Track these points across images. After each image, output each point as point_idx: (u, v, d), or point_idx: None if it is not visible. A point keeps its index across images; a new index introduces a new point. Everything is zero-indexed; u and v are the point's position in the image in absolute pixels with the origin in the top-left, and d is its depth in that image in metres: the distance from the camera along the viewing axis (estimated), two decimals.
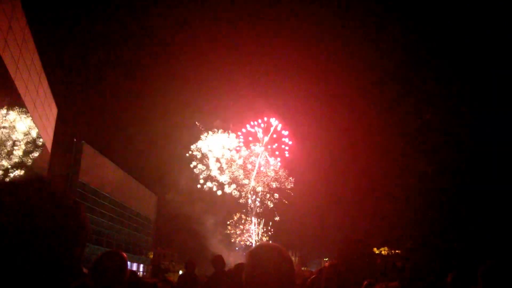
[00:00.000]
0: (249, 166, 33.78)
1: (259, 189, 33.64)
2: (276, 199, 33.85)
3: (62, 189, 0.80)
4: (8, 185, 0.74)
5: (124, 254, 2.92)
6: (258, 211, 34.06)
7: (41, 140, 32.39)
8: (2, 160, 26.13)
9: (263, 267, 1.70)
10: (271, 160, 33.84)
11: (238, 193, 33.66)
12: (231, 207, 34.86)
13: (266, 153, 33.85)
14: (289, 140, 33.73)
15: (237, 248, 35.55)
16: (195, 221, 35.13)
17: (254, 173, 33.43)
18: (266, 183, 33.77)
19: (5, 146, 26.35)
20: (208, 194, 33.87)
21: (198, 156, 33.63)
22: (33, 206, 0.70)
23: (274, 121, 33.44)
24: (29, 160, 29.64)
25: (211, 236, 34.83)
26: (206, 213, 34.71)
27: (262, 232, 34.91)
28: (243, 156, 33.74)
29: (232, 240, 35.22)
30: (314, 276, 4.66)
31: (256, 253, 1.80)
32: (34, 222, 0.68)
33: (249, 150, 33.84)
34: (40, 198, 0.72)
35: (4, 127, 25.89)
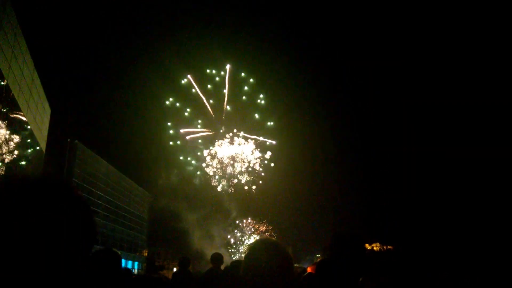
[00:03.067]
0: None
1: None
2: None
3: (75, 187, 0.81)
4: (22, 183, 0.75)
5: (118, 252, 3.04)
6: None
7: (35, 139, 32.37)
8: None
9: (260, 262, 1.69)
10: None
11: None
12: (215, 204, 35.66)
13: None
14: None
15: (218, 245, 36.42)
16: (183, 220, 35.68)
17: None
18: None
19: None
20: (191, 193, 34.70)
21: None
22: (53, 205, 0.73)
23: None
24: (24, 160, 29.61)
25: (194, 233, 35.49)
26: (192, 212, 35.34)
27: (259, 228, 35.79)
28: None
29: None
30: (307, 272, 4.63)
31: (254, 248, 1.79)
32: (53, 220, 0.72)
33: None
34: (59, 196, 0.76)
35: None
